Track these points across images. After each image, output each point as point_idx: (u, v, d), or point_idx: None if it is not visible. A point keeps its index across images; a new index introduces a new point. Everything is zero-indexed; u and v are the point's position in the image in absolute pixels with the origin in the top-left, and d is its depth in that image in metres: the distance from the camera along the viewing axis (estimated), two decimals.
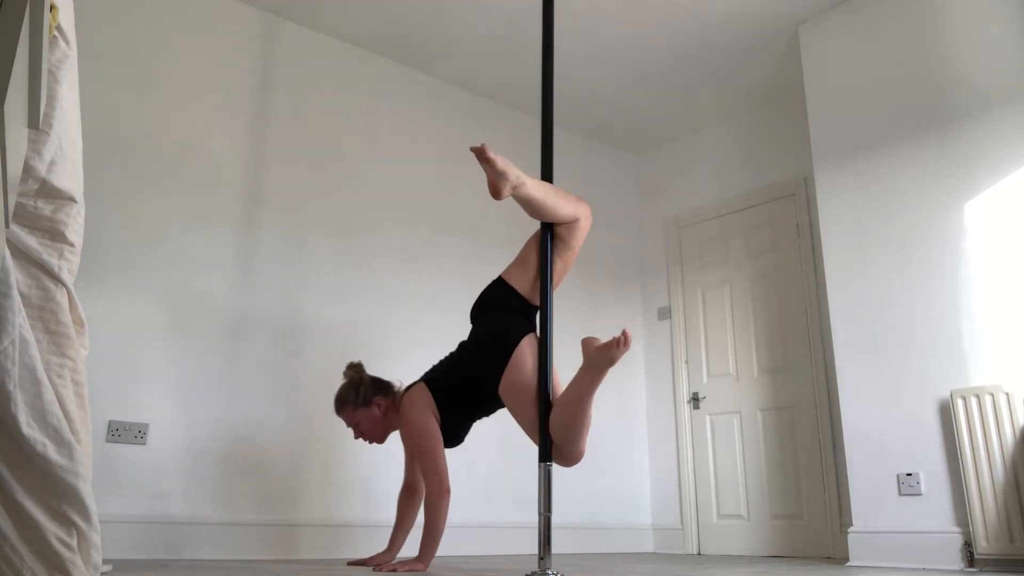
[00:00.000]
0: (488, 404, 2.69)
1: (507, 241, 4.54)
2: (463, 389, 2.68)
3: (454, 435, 2.75)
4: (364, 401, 2.74)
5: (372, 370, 3.78)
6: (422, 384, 2.72)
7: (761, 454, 4.33)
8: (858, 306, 3.50)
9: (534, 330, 2.55)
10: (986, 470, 2.88)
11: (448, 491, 2.56)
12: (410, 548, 3.10)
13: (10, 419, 1.22)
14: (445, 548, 3.69)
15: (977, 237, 3.18)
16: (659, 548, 4.67)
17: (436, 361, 2.97)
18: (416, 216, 4.20)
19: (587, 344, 2.29)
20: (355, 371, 2.84)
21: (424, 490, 2.84)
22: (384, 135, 4.20)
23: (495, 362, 2.52)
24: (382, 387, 2.80)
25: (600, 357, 2.20)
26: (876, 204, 3.52)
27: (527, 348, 2.48)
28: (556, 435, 2.30)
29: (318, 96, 4.00)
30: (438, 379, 2.73)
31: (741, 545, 4.31)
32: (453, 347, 3.77)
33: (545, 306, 2.40)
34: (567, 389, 2.31)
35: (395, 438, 2.98)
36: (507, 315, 2.58)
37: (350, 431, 2.87)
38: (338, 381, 3.69)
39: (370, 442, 2.84)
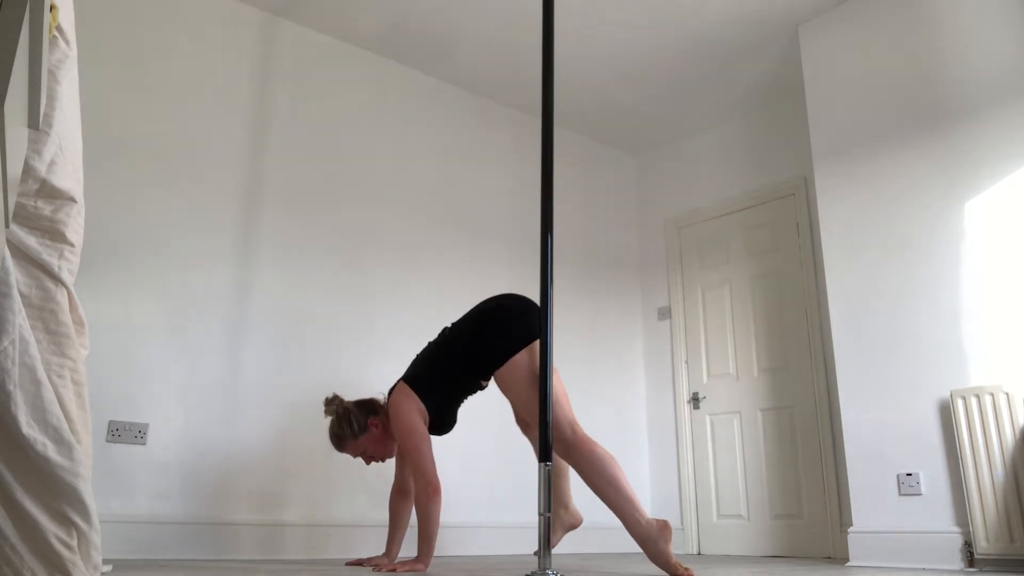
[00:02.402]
0: (474, 385, 2.76)
1: (507, 240, 4.54)
2: (450, 373, 2.72)
3: (445, 423, 2.79)
4: (361, 428, 2.75)
5: (374, 370, 3.79)
6: (403, 384, 2.73)
7: (761, 454, 4.33)
8: (858, 306, 3.50)
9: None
10: (986, 470, 2.88)
11: (437, 490, 2.56)
12: (408, 548, 3.10)
13: (10, 419, 1.22)
14: (446, 548, 3.70)
15: (977, 237, 3.18)
16: None
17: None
18: (416, 216, 4.20)
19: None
20: (337, 404, 2.80)
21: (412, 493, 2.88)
22: (384, 135, 4.20)
23: (505, 339, 2.60)
24: (370, 408, 2.80)
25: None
26: (876, 204, 3.52)
27: (534, 348, 2.57)
28: (569, 460, 2.54)
29: (318, 96, 4.00)
30: (420, 374, 2.75)
31: (741, 545, 4.31)
32: None
33: (545, 305, 2.40)
34: (614, 488, 2.47)
35: None
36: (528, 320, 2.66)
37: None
38: (338, 379, 3.69)
39: (382, 461, 2.85)
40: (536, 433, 2.94)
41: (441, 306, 4.14)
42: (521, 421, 3.00)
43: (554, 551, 3.09)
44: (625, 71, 4.44)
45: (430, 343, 2.88)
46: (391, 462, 3.08)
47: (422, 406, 2.68)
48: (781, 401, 4.30)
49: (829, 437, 4.02)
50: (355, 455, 2.81)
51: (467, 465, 3.91)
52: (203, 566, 2.65)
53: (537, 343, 2.52)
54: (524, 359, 2.58)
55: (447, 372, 2.72)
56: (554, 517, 2.98)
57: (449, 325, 2.89)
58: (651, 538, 2.44)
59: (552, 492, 2.92)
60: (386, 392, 2.89)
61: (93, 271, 2.97)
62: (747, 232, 4.70)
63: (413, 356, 4.08)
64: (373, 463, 2.91)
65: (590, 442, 2.50)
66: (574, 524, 2.96)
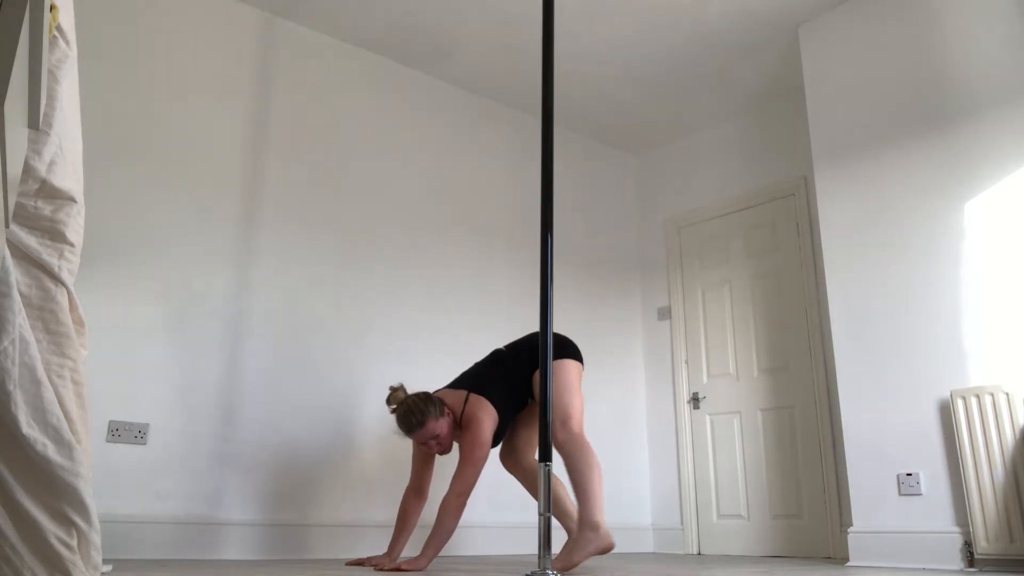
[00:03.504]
0: (525, 404, 2.99)
1: (507, 240, 4.54)
2: (517, 392, 2.92)
3: (501, 434, 2.93)
4: (440, 411, 2.78)
5: (374, 369, 3.79)
6: (484, 399, 2.82)
7: (761, 454, 4.33)
8: (858, 306, 3.50)
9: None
10: (986, 470, 2.88)
11: (466, 502, 2.66)
12: (410, 550, 3.10)
13: (10, 419, 1.22)
14: (446, 548, 3.70)
15: (977, 237, 3.18)
16: (659, 548, 4.67)
17: (442, 362, 3.05)
18: (416, 216, 4.20)
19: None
20: (403, 391, 2.87)
21: (428, 494, 2.91)
22: (384, 135, 4.19)
23: (564, 349, 2.91)
24: (441, 399, 2.86)
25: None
26: (876, 204, 3.52)
27: (582, 370, 2.97)
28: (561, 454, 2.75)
29: (318, 96, 4.00)
30: (496, 391, 2.88)
31: (741, 545, 4.31)
32: (454, 345, 3.77)
33: (545, 305, 2.40)
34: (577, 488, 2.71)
35: (384, 442, 2.99)
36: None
37: (363, 434, 2.90)
38: (338, 379, 3.69)
39: (443, 453, 2.86)
40: (523, 469, 3.03)
41: (441, 306, 4.14)
42: (507, 459, 3.11)
43: (555, 551, 3.09)
44: (625, 71, 4.44)
45: (484, 363, 3.04)
46: (394, 456, 3.10)
47: (496, 420, 2.81)
48: (781, 401, 4.30)
49: (829, 437, 4.02)
50: (426, 438, 2.77)
51: None
52: (203, 566, 2.65)
53: (580, 369, 2.92)
54: (573, 367, 2.86)
55: (514, 391, 2.92)
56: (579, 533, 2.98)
57: (503, 347, 3.07)
58: (583, 538, 2.59)
59: (570, 516, 2.97)
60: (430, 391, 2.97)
61: (93, 271, 2.97)
62: (747, 232, 4.70)
63: (413, 356, 4.07)
64: (364, 441, 3.00)
65: (584, 438, 2.77)
66: (606, 547, 2.95)
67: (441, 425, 2.77)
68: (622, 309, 5.07)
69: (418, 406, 2.75)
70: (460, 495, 2.62)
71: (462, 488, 2.63)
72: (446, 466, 3.67)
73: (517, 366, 2.95)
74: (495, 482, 4.02)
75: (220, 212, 3.53)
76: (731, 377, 4.57)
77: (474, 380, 2.94)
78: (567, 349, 2.95)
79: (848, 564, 3.25)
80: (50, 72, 1.32)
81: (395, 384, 2.93)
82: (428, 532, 2.68)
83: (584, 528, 2.62)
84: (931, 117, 3.40)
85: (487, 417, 2.76)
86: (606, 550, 2.61)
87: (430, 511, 2.88)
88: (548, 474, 2.22)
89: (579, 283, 4.83)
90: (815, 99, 3.87)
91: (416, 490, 2.91)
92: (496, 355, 3.05)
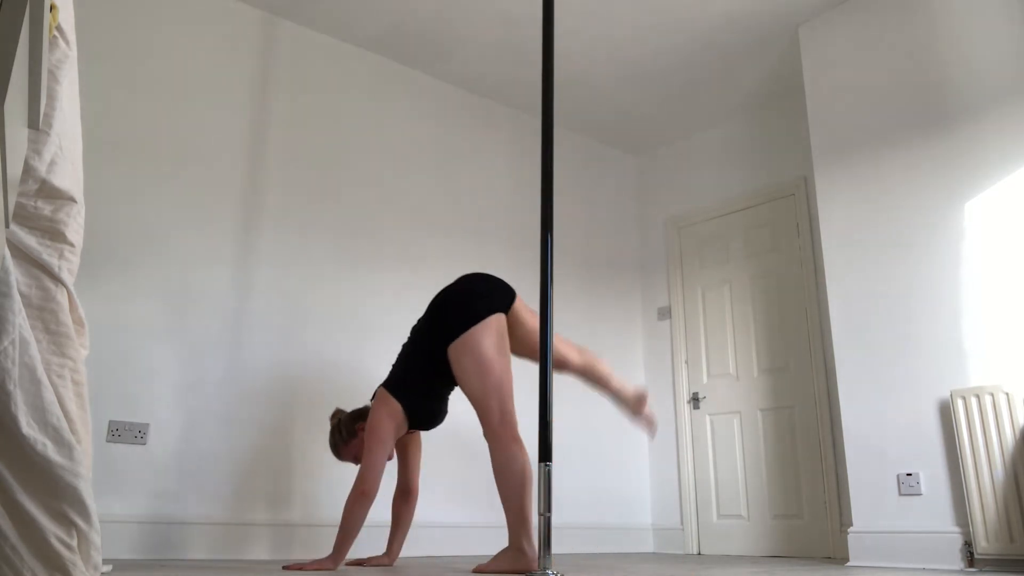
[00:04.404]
0: (448, 372, 2.71)
1: (507, 240, 4.54)
2: (423, 366, 2.74)
3: (433, 415, 2.83)
4: (350, 433, 2.82)
5: (374, 370, 3.78)
6: (380, 389, 2.78)
7: (761, 454, 4.33)
8: (858, 306, 3.50)
9: (506, 311, 2.69)
10: (986, 470, 2.88)
11: (365, 494, 2.55)
12: (409, 549, 3.10)
13: (10, 419, 1.22)
14: (445, 548, 3.70)
15: (977, 237, 3.18)
16: (659, 548, 4.67)
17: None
18: (416, 216, 4.20)
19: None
20: (335, 416, 2.92)
21: (417, 492, 2.92)
22: (384, 135, 4.20)
23: (455, 324, 2.63)
24: (360, 414, 2.86)
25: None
26: (876, 204, 3.52)
27: (493, 324, 2.62)
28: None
29: (318, 96, 4.00)
30: (394, 375, 2.80)
31: (741, 545, 4.30)
32: None
33: (545, 304, 2.40)
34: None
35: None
36: (484, 295, 2.71)
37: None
38: (338, 380, 3.70)
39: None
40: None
41: None
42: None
43: (554, 551, 3.09)
44: (625, 71, 4.44)
45: (404, 344, 2.92)
46: (393, 467, 3.09)
47: (397, 408, 2.69)
48: (781, 401, 4.30)
49: (829, 437, 4.02)
50: (351, 460, 2.86)
51: (466, 465, 3.91)
52: (203, 566, 2.65)
53: (490, 325, 2.59)
54: (483, 335, 2.59)
55: (416, 366, 2.76)
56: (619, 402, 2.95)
57: (417, 321, 2.95)
58: (510, 555, 2.47)
59: (607, 379, 2.88)
60: None
61: (93, 271, 2.97)
62: (747, 232, 4.70)
63: None
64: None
65: (513, 441, 2.53)
66: (637, 396, 2.93)
67: (354, 446, 2.82)
68: (622, 309, 5.07)
69: (332, 437, 2.87)
70: (359, 485, 2.56)
71: (359, 484, 2.57)
72: (435, 464, 3.69)
73: (418, 332, 2.83)
74: (492, 482, 4.02)
75: (220, 212, 3.53)
76: (731, 377, 4.57)
77: (390, 372, 2.87)
78: (467, 305, 2.66)
79: (848, 564, 3.25)
80: (50, 72, 1.32)
81: (332, 411, 2.96)
82: (426, 531, 2.68)
83: (511, 548, 2.50)
84: (931, 117, 3.40)
85: (377, 406, 2.71)
86: (524, 572, 2.55)
87: (423, 510, 2.88)
88: (548, 475, 2.22)
89: (579, 283, 4.83)
90: (815, 99, 3.87)
91: (402, 491, 2.94)
92: (411, 334, 2.91)
